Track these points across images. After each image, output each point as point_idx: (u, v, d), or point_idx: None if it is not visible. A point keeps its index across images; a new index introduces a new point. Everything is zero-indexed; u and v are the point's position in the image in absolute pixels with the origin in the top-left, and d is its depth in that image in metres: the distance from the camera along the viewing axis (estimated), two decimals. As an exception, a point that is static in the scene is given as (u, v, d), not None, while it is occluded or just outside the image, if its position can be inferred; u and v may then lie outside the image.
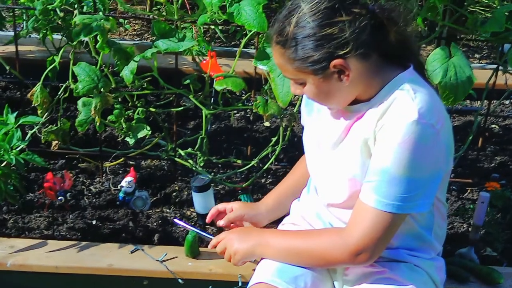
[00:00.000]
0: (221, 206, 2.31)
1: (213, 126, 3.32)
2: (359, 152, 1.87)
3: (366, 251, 1.85)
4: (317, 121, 2.03)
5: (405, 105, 1.79)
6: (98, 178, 2.92)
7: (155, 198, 2.81)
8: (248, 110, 3.30)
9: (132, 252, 2.32)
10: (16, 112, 2.33)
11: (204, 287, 2.26)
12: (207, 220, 2.31)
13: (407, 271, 1.97)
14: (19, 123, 2.29)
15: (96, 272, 2.26)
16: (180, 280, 2.22)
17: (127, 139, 2.68)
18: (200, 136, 2.67)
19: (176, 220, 2.34)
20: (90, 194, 2.81)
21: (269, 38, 1.99)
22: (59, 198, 2.41)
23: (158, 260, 2.28)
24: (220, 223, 2.26)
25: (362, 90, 1.86)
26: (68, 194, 2.43)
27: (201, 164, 2.72)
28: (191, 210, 2.73)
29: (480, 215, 2.46)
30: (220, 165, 2.99)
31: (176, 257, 2.30)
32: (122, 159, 2.95)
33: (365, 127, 1.86)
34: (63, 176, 2.47)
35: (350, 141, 1.91)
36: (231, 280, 2.22)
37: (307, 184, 2.24)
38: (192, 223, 2.58)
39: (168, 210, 2.75)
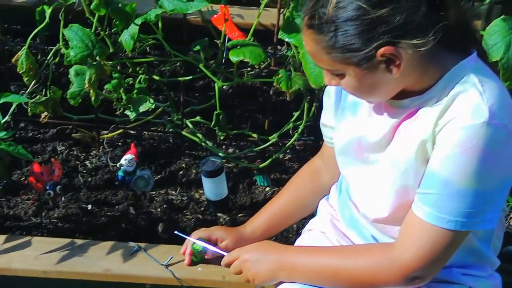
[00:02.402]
0: (203, 234, 1.94)
1: (224, 87, 2.94)
2: (414, 158, 1.53)
3: (422, 273, 1.55)
4: (354, 120, 1.67)
5: (472, 101, 1.44)
6: (94, 151, 2.58)
7: (158, 177, 2.48)
8: (263, 67, 2.92)
9: (131, 253, 2.00)
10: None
11: (216, 296, 1.95)
12: (182, 251, 1.95)
13: (461, 296, 1.67)
14: (-1, 103, 1.94)
15: (91, 278, 1.95)
16: (188, 290, 1.91)
17: (127, 112, 2.32)
18: (216, 112, 2.32)
19: (177, 233, 1.98)
20: (85, 171, 2.48)
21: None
22: (47, 192, 2.07)
23: (163, 265, 1.96)
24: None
25: (413, 80, 1.50)
26: (58, 188, 2.09)
27: (222, 138, 2.39)
28: (200, 192, 2.42)
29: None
30: (231, 136, 2.63)
31: (184, 260, 1.98)
32: (121, 130, 2.60)
33: (421, 127, 1.51)
34: (52, 165, 2.12)
35: (401, 144, 1.56)
36: (247, 290, 1.91)
37: (338, 181, 1.90)
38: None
39: (173, 192, 2.42)
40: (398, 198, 1.59)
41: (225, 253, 1.86)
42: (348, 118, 1.69)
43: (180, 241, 1.99)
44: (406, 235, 1.56)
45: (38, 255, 1.97)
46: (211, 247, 1.90)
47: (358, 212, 1.73)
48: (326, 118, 1.81)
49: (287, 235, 2.25)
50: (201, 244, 1.91)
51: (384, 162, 1.61)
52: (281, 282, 1.74)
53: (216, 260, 1.92)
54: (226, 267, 1.84)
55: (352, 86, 1.51)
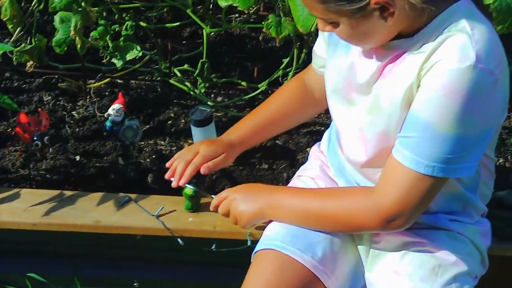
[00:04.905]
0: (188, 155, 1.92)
1: (211, 34, 2.89)
2: (400, 103, 1.52)
3: (400, 217, 1.55)
4: (346, 59, 1.65)
5: (460, 45, 1.42)
6: (81, 101, 2.54)
7: (147, 127, 2.45)
8: (251, 12, 2.85)
9: (122, 204, 1.98)
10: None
11: (207, 246, 1.94)
12: (167, 176, 1.91)
13: (449, 241, 1.67)
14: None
15: (81, 230, 1.93)
16: (179, 241, 1.90)
17: (114, 60, 2.27)
18: (201, 60, 2.27)
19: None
20: (72, 122, 2.44)
21: None
22: (35, 143, 2.04)
23: (153, 215, 1.94)
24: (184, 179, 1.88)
25: (406, 25, 1.48)
26: (46, 138, 2.05)
27: (202, 91, 2.34)
28: (190, 142, 2.38)
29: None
30: (220, 84, 2.60)
31: (175, 210, 1.96)
32: (108, 79, 2.56)
33: (407, 71, 1.50)
34: (39, 115, 2.08)
35: (386, 87, 1.55)
36: (238, 239, 1.90)
37: (329, 129, 1.89)
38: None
39: (162, 142, 2.39)
40: (378, 142, 1.59)
41: (213, 196, 1.87)
42: (340, 57, 1.67)
43: (170, 191, 1.97)
44: (384, 179, 1.57)
45: (27, 207, 1.95)
46: (199, 190, 1.91)
47: (344, 157, 1.73)
48: (320, 49, 1.81)
49: (277, 183, 2.23)
50: (192, 188, 1.90)
51: (369, 104, 1.60)
52: (269, 222, 1.75)
53: (207, 208, 1.91)
54: (215, 211, 1.84)
55: (347, 34, 1.50)
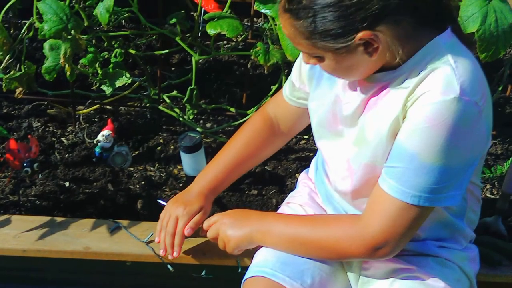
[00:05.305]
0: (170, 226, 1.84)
1: (200, 61, 2.92)
2: (385, 135, 1.53)
3: (387, 245, 1.55)
4: (330, 92, 1.67)
5: (444, 77, 1.44)
6: (70, 127, 2.55)
7: (136, 153, 2.46)
8: (240, 40, 2.89)
9: (112, 230, 1.98)
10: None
11: (197, 272, 1.94)
12: (162, 254, 1.84)
13: (437, 267, 1.68)
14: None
15: (71, 256, 1.93)
16: (170, 267, 1.90)
17: (103, 87, 2.29)
18: (190, 87, 2.29)
19: (160, 201, 1.98)
20: (61, 148, 2.44)
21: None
22: (25, 169, 2.04)
23: (143, 242, 1.95)
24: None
25: (390, 58, 1.50)
26: (35, 165, 2.05)
27: (191, 118, 2.36)
28: (179, 168, 2.40)
29: None
30: (209, 110, 2.62)
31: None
32: (98, 105, 2.57)
33: (392, 103, 1.51)
34: (28, 141, 2.08)
35: (371, 119, 1.57)
36: (228, 265, 1.91)
37: (316, 157, 1.90)
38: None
39: (152, 168, 2.40)
40: (365, 172, 1.60)
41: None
42: (324, 89, 1.68)
43: (159, 212, 1.96)
44: (371, 208, 1.57)
45: (18, 233, 1.95)
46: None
47: (330, 186, 1.75)
48: (300, 82, 1.80)
49: (266, 210, 2.25)
50: None
51: (355, 136, 1.61)
52: (258, 248, 1.75)
53: (197, 234, 1.90)
54: (204, 235, 1.82)
55: (331, 68, 1.52)
